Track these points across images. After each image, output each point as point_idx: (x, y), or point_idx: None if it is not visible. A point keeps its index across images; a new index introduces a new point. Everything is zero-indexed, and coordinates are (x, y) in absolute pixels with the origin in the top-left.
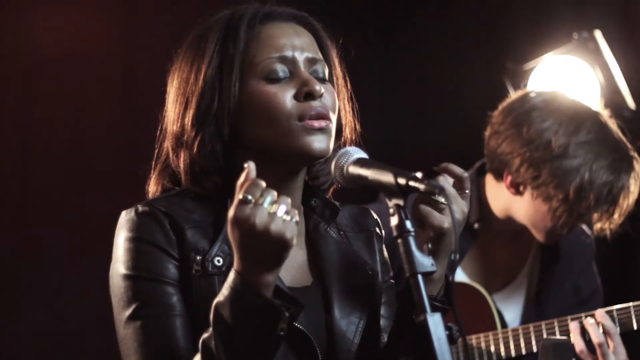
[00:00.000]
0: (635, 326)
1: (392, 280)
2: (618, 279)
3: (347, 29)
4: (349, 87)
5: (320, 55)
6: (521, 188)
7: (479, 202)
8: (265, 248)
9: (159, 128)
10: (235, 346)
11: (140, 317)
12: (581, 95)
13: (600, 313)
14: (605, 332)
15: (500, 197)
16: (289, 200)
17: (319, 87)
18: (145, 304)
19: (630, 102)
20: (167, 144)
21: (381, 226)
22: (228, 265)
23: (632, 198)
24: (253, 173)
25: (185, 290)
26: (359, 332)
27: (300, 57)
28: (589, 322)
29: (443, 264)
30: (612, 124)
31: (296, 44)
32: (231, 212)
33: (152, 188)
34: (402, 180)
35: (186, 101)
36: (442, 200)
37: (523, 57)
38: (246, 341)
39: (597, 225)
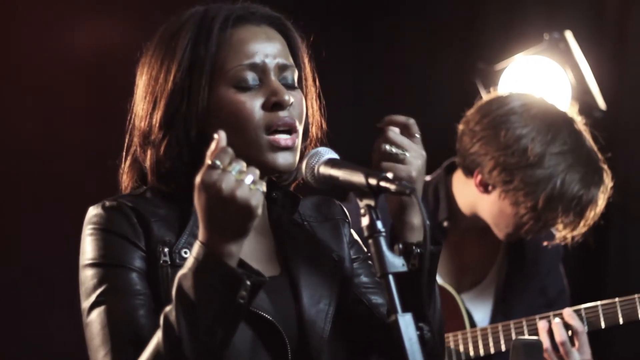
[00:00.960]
0: (603, 325)
1: (369, 254)
2: (585, 280)
3: (318, 27)
4: (317, 85)
5: (290, 60)
6: (490, 188)
7: (448, 200)
8: (230, 214)
9: (128, 118)
10: (196, 316)
11: (104, 301)
12: (552, 95)
13: (567, 312)
14: (573, 331)
15: (467, 194)
16: (257, 171)
17: (287, 97)
18: (110, 289)
19: (601, 103)
20: (136, 139)
21: (347, 213)
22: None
23: (597, 210)
24: (224, 142)
25: (152, 282)
26: (329, 319)
27: (271, 64)
28: (554, 321)
29: (417, 213)
30: (586, 133)
31: (267, 50)
32: (198, 178)
33: (125, 180)
34: (373, 181)
35: (155, 100)
36: (399, 151)
37: (494, 58)
38: (207, 310)
39: (561, 234)
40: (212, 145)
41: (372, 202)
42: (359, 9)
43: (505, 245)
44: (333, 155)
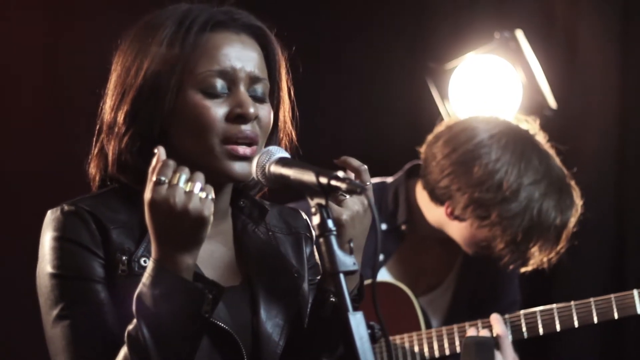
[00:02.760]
0: (541, 331)
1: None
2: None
3: (268, 27)
4: (292, 99)
5: (263, 73)
6: (461, 219)
7: (408, 204)
8: (184, 228)
9: (101, 104)
10: (161, 332)
11: (68, 316)
12: (503, 94)
13: (494, 317)
14: (497, 336)
15: (435, 213)
16: (202, 176)
17: (253, 111)
18: (73, 303)
19: (551, 101)
20: (104, 124)
21: (311, 228)
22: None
23: (570, 230)
24: (163, 155)
25: (111, 290)
26: (284, 334)
27: (242, 73)
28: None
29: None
30: (550, 149)
31: (241, 60)
32: (147, 195)
33: (92, 168)
34: (323, 180)
35: (123, 93)
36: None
37: (445, 57)
38: (172, 326)
39: (537, 259)
40: (153, 161)
41: (323, 201)
42: (307, 6)
43: (464, 254)
44: (284, 154)
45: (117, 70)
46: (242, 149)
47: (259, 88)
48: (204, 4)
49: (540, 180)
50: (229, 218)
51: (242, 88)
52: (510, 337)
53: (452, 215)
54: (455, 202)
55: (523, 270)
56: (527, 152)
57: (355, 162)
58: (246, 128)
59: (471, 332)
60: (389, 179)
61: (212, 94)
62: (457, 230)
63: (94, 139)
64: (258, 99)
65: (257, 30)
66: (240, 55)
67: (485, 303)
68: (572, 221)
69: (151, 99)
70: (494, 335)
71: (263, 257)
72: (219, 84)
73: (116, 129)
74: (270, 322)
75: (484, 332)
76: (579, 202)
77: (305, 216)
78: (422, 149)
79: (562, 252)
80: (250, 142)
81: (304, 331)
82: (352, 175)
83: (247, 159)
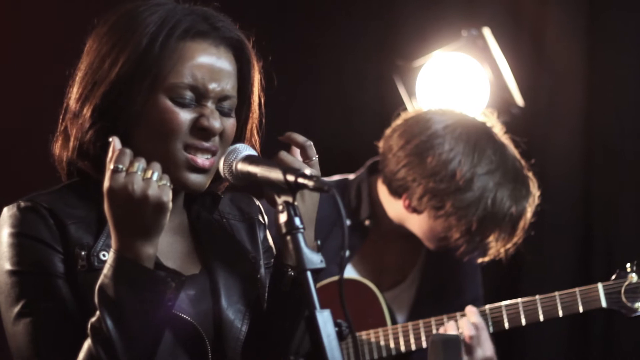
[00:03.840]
0: (507, 325)
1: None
2: (501, 283)
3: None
4: (262, 112)
5: (234, 90)
6: (418, 211)
7: (371, 200)
8: (144, 215)
9: (70, 83)
10: (125, 323)
11: (29, 313)
12: (470, 91)
13: (470, 309)
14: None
15: (395, 208)
16: (159, 165)
17: (218, 126)
18: (34, 299)
19: (518, 99)
20: (70, 107)
21: (264, 213)
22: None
23: (528, 219)
24: (119, 144)
25: (72, 285)
26: (246, 320)
27: (212, 91)
28: (462, 319)
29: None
30: (507, 141)
31: (213, 77)
32: (106, 184)
33: (57, 149)
34: (290, 177)
35: (93, 85)
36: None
37: (412, 54)
38: (135, 316)
39: (494, 250)
40: (110, 151)
41: (290, 199)
42: (276, 4)
43: (427, 249)
44: (251, 152)
45: (91, 56)
46: (201, 160)
47: (227, 104)
48: (187, 8)
49: (495, 170)
50: (183, 209)
51: (210, 104)
52: (490, 329)
53: (410, 208)
54: (412, 193)
55: (481, 260)
56: (481, 142)
57: (300, 138)
58: (208, 142)
59: (451, 326)
60: (351, 176)
61: (180, 103)
62: (417, 224)
63: (60, 118)
64: (224, 113)
65: (236, 43)
66: (214, 71)
67: (449, 299)
68: (529, 211)
69: (122, 98)
70: (472, 325)
71: (219, 244)
72: (188, 95)
73: (81, 121)
74: (232, 309)
75: (463, 323)
76: (535, 192)
77: (257, 201)
78: (380, 143)
79: (519, 243)
80: (208, 155)
81: (264, 314)
82: (297, 152)
83: (205, 171)
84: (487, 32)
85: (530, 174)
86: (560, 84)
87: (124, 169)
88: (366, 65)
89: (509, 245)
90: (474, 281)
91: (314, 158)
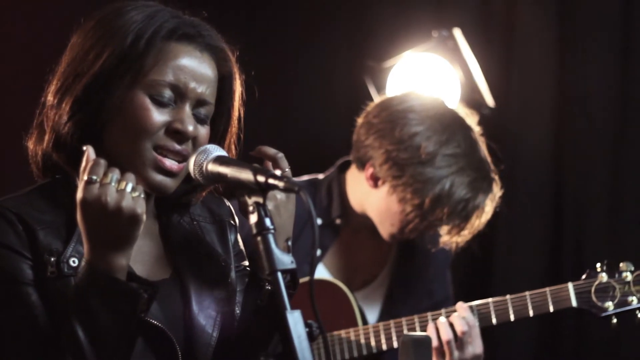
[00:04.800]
0: (494, 321)
1: (247, 268)
2: (471, 286)
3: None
4: (241, 125)
5: (212, 98)
6: (380, 182)
7: (340, 198)
8: (118, 227)
9: (50, 78)
10: (98, 334)
11: None
12: (441, 92)
13: (460, 305)
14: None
15: (358, 189)
16: (133, 176)
17: (192, 129)
18: (3, 307)
19: (489, 100)
20: (48, 101)
21: (235, 215)
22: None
23: (484, 218)
24: (93, 154)
25: (41, 292)
26: (217, 325)
27: (192, 94)
28: (440, 320)
29: None
30: (482, 142)
31: (195, 79)
32: (79, 195)
33: (31, 145)
34: (261, 178)
35: (75, 77)
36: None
37: (383, 55)
38: (108, 327)
39: (445, 238)
40: (83, 161)
41: (260, 200)
42: (246, 7)
43: (397, 248)
44: (221, 152)
45: (74, 50)
46: (170, 163)
47: (203, 110)
48: (176, 10)
49: (460, 155)
50: (154, 212)
51: (187, 107)
52: (478, 325)
53: (372, 179)
54: (375, 159)
55: (451, 259)
56: (454, 127)
57: (271, 151)
58: (180, 145)
59: (437, 323)
60: (320, 176)
61: (158, 101)
62: (375, 203)
63: (37, 112)
64: (200, 120)
65: (220, 52)
66: (196, 74)
67: (420, 298)
68: (487, 207)
69: (102, 91)
70: (464, 320)
71: (190, 248)
72: (167, 94)
73: (59, 112)
74: (203, 314)
75: (455, 319)
76: (497, 193)
77: (228, 203)
78: (360, 117)
79: (472, 240)
80: (179, 159)
81: (238, 320)
82: (270, 165)
83: (172, 174)
84: (457, 32)
85: (496, 176)
86: (530, 84)
87: (98, 180)
88: (337, 66)
89: (459, 238)
90: (444, 281)
91: (286, 169)
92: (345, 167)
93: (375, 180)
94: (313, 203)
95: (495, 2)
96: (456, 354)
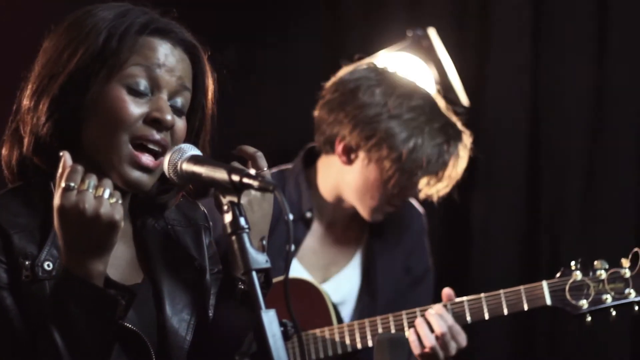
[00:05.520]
0: (469, 319)
1: (221, 271)
2: (450, 259)
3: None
4: (215, 125)
5: (187, 89)
6: (353, 156)
7: (309, 190)
8: (96, 233)
9: (23, 83)
10: (75, 340)
11: None
12: None
13: (436, 308)
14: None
15: (331, 176)
16: (110, 182)
17: (170, 118)
18: None
19: (463, 99)
20: (23, 105)
21: (209, 219)
22: (58, 269)
23: (460, 166)
24: (69, 161)
25: (16, 296)
26: (190, 329)
27: (168, 81)
28: (430, 313)
29: None
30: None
31: (170, 68)
32: (57, 201)
33: (4, 151)
34: (235, 177)
35: (50, 78)
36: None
37: (358, 54)
38: (86, 333)
39: (425, 190)
40: (60, 167)
41: (235, 199)
42: (222, 5)
43: (369, 230)
44: (196, 151)
45: (48, 53)
46: (146, 159)
47: (180, 100)
48: (146, 8)
49: (425, 106)
50: (128, 215)
51: (164, 95)
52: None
53: (344, 154)
54: (343, 130)
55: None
56: (412, 85)
57: (250, 149)
58: (159, 134)
59: (417, 331)
60: (284, 166)
61: (134, 91)
62: (353, 182)
63: (10, 119)
64: (177, 111)
65: (192, 48)
66: (171, 65)
67: (397, 275)
68: (462, 153)
69: (79, 89)
70: (442, 320)
71: (164, 252)
72: (143, 83)
73: (37, 115)
74: (176, 318)
75: (433, 320)
76: (467, 141)
77: (202, 207)
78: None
79: (447, 191)
80: (159, 149)
81: (211, 321)
82: (249, 164)
83: (148, 170)
84: (432, 32)
85: (463, 128)
86: (505, 83)
87: (76, 186)
88: (312, 66)
89: (440, 188)
90: (423, 252)
91: (264, 168)
92: (310, 158)
93: (348, 154)
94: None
95: (470, 1)
96: (441, 354)
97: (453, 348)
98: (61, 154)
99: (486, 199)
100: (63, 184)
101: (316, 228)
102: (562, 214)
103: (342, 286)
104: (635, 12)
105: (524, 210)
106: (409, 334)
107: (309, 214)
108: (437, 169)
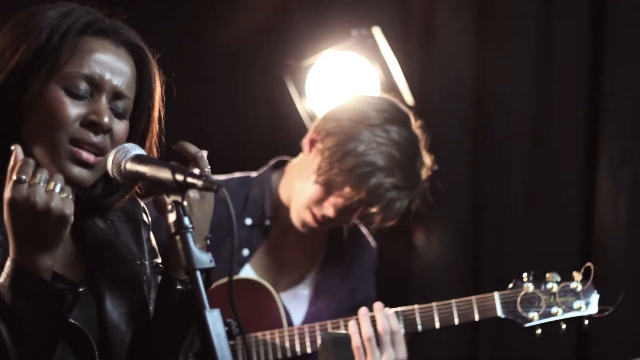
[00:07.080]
0: (420, 328)
1: (160, 265)
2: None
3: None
4: (162, 126)
5: (130, 92)
6: (315, 145)
7: (271, 197)
8: (46, 227)
9: None
10: (22, 333)
11: None
12: (360, 90)
13: (388, 311)
14: (391, 330)
15: (292, 175)
16: (61, 176)
17: (107, 121)
18: None
19: (408, 98)
20: None
21: (148, 213)
22: (4, 256)
23: (397, 206)
24: (21, 154)
25: None
26: (130, 322)
27: (108, 85)
28: (377, 307)
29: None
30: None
31: (111, 71)
32: (7, 194)
33: None
34: (179, 177)
35: None
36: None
37: (302, 53)
38: (33, 327)
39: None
40: (12, 160)
41: (179, 198)
42: (166, 4)
43: (326, 250)
44: (140, 151)
45: None
46: (86, 155)
47: (121, 104)
48: (92, 9)
49: (397, 141)
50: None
51: (103, 98)
52: (402, 331)
53: (310, 142)
54: (319, 126)
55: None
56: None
57: (192, 149)
58: (97, 138)
59: (359, 319)
60: (253, 174)
61: (73, 94)
62: (299, 173)
63: None
64: (118, 114)
65: (138, 50)
66: (112, 67)
67: (342, 297)
68: (398, 200)
69: (19, 85)
70: (386, 320)
71: (104, 247)
72: (83, 86)
73: None
74: (117, 312)
75: (378, 317)
76: (411, 195)
77: (141, 202)
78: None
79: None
80: (97, 152)
81: (150, 319)
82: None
83: (89, 166)
84: (377, 31)
85: (419, 182)
86: (450, 81)
87: (27, 179)
88: (256, 65)
89: (378, 221)
90: (369, 283)
91: (205, 169)
92: (278, 166)
93: (312, 143)
94: (245, 202)
95: (415, 0)
96: (377, 353)
97: (391, 355)
98: (12, 147)
99: (427, 200)
100: (14, 177)
101: (274, 236)
102: (506, 221)
103: (294, 302)
104: (577, 11)
105: (469, 216)
106: (350, 325)
107: (267, 222)
108: (360, 185)
